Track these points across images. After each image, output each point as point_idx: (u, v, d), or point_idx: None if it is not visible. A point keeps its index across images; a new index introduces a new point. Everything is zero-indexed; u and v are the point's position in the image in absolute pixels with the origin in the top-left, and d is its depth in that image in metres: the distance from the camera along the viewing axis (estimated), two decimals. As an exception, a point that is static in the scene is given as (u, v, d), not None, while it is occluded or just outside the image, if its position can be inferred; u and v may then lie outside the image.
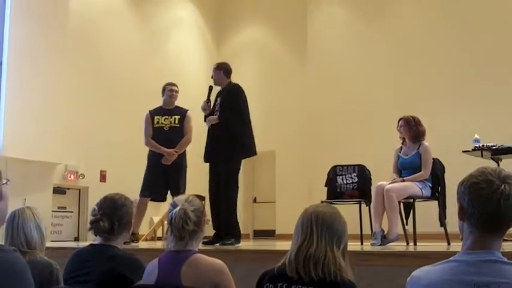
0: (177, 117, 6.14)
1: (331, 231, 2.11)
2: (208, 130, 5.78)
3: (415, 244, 4.90)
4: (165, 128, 6.11)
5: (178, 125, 6.12)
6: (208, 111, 5.73)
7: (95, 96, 9.52)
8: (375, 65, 10.28)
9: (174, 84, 6.31)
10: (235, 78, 5.90)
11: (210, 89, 5.83)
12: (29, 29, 8.31)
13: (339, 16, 11.18)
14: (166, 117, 6.14)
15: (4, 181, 1.70)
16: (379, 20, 10.50)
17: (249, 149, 5.68)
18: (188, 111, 6.25)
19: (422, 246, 4.74)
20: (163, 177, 6.04)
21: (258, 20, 12.25)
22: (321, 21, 11.21)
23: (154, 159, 6.07)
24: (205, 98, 5.78)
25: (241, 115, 5.61)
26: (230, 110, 5.59)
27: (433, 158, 5.23)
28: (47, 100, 8.35)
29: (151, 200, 6.13)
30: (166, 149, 5.98)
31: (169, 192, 6.09)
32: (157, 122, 6.14)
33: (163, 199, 6.18)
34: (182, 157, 6.12)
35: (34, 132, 8.08)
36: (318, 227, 2.11)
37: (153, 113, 6.20)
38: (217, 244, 5.25)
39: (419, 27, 9.95)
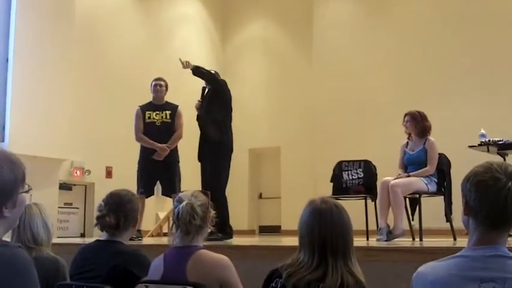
0: (168, 112, 6.14)
1: (346, 253, 2.00)
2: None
3: (421, 239, 4.91)
4: (157, 124, 6.10)
5: (169, 121, 6.12)
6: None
7: (101, 92, 9.54)
8: (380, 61, 10.24)
9: (160, 79, 6.32)
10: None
11: (204, 89, 5.95)
12: (35, 26, 8.31)
13: (344, 12, 11.13)
14: (158, 112, 6.13)
15: (26, 188, 1.68)
16: (386, 16, 10.45)
17: (229, 146, 5.71)
18: (179, 107, 6.25)
19: (428, 241, 4.74)
20: (154, 173, 6.05)
21: (263, 16, 12.21)
22: (327, 16, 11.17)
23: (145, 155, 6.06)
24: (199, 98, 5.91)
25: (226, 109, 5.74)
26: (216, 104, 5.70)
27: (439, 153, 5.22)
28: (52, 96, 8.36)
29: (146, 198, 6.12)
30: (159, 145, 5.97)
31: (162, 190, 6.14)
32: (149, 117, 6.11)
33: (152, 194, 6.20)
34: (174, 153, 6.11)
35: (40, 128, 8.08)
36: (332, 252, 1.98)
37: (143, 108, 6.18)
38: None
39: (425, 23, 9.89)
